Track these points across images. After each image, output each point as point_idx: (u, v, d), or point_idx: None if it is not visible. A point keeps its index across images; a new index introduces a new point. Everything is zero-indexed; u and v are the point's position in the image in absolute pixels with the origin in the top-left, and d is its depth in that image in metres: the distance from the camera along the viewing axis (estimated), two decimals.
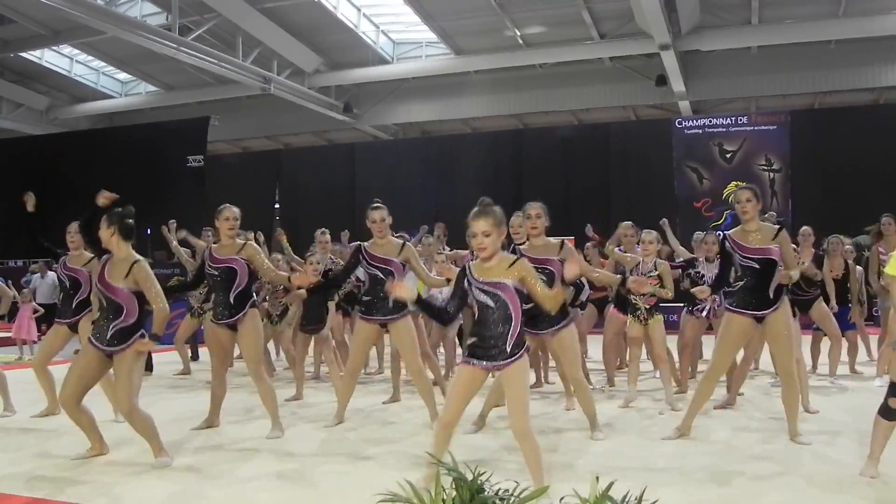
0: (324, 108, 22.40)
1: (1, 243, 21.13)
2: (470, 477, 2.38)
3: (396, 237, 6.56)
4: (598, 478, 2.44)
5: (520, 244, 6.25)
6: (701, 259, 8.18)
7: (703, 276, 7.92)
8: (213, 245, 6.31)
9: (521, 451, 3.97)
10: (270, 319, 8.98)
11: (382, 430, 6.33)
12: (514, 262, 4.15)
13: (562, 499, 2.38)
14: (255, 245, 6.32)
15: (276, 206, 24.35)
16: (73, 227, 6.86)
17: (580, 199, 20.27)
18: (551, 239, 6.08)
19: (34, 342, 12.15)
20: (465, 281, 4.18)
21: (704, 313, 8.02)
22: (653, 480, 2.87)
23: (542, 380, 8.77)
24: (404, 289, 4.16)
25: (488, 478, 2.43)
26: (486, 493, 2.39)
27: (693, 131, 19.91)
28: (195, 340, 10.81)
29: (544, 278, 5.78)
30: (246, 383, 8.80)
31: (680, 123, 20.18)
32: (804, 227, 8.98)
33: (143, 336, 5.17)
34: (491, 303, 4.08)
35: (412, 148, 23.60)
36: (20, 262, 20.82)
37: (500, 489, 2.44)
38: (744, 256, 5.64)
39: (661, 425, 6.30)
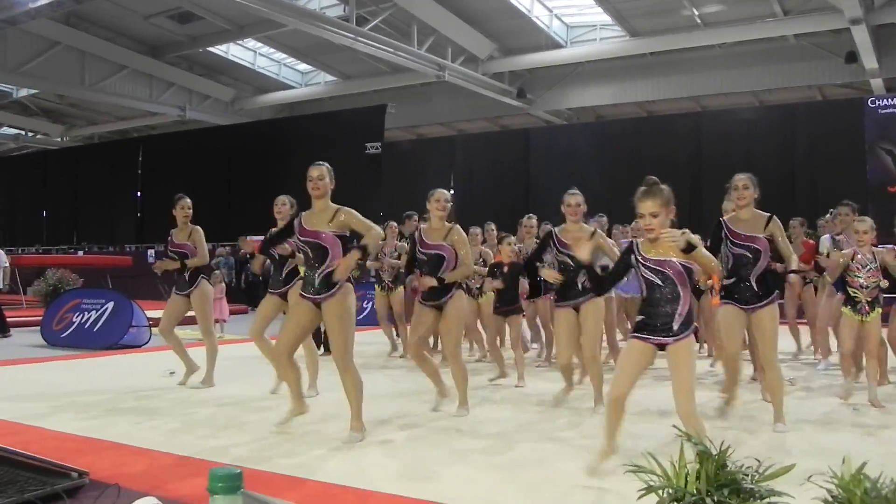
0: (497, 94, 22.50)
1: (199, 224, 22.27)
2: (715, 452, 2.28)
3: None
4: (846, 458, 2.29)
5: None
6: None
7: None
8: (423, 227, 6.36)
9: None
10: (471, 293, 9.21)
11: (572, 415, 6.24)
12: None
13: (809, 477, 2.23)
14: (461, 230, 6.26)
15: (451, 191, 24.60)
16: (281, 199, 7.28)
17: (763, 185, 19.25)
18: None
19: (224, 321, 12.86)
20: (632, 258, 4.23)
21: None
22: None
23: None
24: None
25: (731, 454, 2.32)
26: (729, 468, 2.29)
27: (888, 111, 18.67)
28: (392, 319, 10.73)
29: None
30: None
31: (873, 103, 18.97)
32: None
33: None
34: (658, 281, 4.13)
35: (586, 133, 23.20)
36: (209, 245, 21.90)
37: (742, 465, 2.33)
38: None
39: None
